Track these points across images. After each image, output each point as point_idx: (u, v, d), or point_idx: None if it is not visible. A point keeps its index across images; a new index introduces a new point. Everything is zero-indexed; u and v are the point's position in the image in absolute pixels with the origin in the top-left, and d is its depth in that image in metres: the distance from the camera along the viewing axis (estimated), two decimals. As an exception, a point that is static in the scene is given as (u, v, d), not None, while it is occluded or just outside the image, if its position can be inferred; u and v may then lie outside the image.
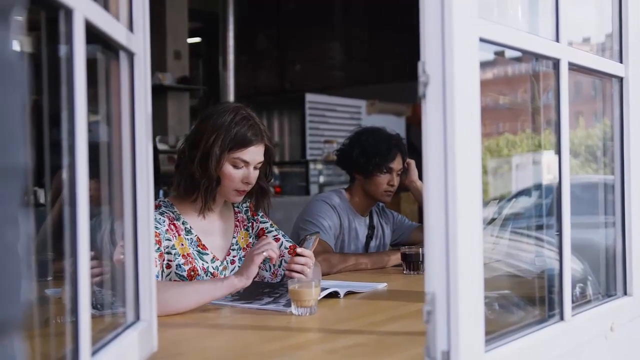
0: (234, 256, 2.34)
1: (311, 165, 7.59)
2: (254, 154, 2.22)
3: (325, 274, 2.67)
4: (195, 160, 2.18)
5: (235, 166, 2.20)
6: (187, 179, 2.21)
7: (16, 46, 0.60)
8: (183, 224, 2.24)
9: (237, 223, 2.39)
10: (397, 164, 3.02)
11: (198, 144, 2.19)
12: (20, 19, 0.63)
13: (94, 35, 1.10)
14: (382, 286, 2.36)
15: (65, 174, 1.01)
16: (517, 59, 1.71)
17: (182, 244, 2.20)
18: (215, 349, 1.63)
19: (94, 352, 1.08)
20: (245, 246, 2.38)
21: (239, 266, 2.31)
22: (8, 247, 0.55)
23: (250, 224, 2.42)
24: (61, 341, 1.08)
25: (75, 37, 1.00)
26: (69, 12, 0.99)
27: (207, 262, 2.24)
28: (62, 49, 1.00)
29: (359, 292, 2.24)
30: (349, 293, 2.20)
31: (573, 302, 1.55)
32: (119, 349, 1.21)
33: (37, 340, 1.14)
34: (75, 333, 1.00)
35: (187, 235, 2.23)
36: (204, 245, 2.26)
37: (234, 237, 2.36)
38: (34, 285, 1.01)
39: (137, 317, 1.37)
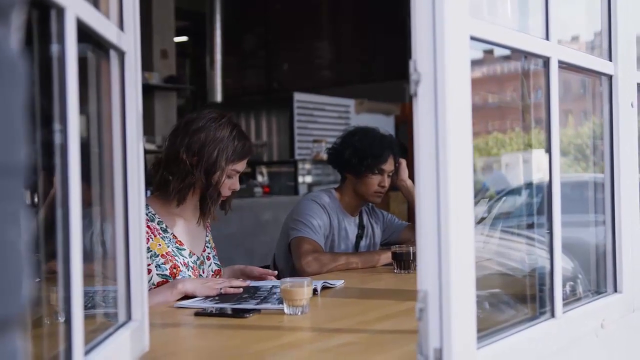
0: (208, 253, 2.43)
1: (300, 165, 7.57)
2: (245, 164, 2.35)
3: (316, 273, 2.68)
4: (198, 171, 2.24)
5: (230, 176, 2.30)
6: (188, 187, 2.26)
7: (16, 45, 0.60)
8: (158, 224, 2.29)
9: (207, 224, 2.48)
10: (389, 166, 3.02)
11: (200, 155, 2.24)
12: (21, 17, 0.63)
13: (84, 34, 1.09)
14: (339, 283, 2.38)
15: (56, 175, 1.00)
16: (506, 58, 1.71)
17: (160, 244, 2.25)
18: (206, 349, 1.63)
19: (86, 352, 1.07)
20: (212, 247, 2.48)
21: (214, 262, 2.44)
22: (10, 244, 0.55)
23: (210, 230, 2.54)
24: (52, 341, 1.07)
25: (67, 36, 0.99)
26: (60, 11, 0.98)
27: (186, 257, 2.30)
28: (54, 48, 1.00)
29: (331, 287, 2.30)
30: (324, 288, 2.25)
31: (563, 299, 1.55)
32: (112, 349, 1.20)
33: (28, 341, 1.14)
34: (68, 333, 1.00)
35: (164, 234, 2.28)
36: (180, 241, 2.32)
37: (207, 236, 2.46)
38: (34, 283, 1.01)
39: (129, 317, 1.37)
